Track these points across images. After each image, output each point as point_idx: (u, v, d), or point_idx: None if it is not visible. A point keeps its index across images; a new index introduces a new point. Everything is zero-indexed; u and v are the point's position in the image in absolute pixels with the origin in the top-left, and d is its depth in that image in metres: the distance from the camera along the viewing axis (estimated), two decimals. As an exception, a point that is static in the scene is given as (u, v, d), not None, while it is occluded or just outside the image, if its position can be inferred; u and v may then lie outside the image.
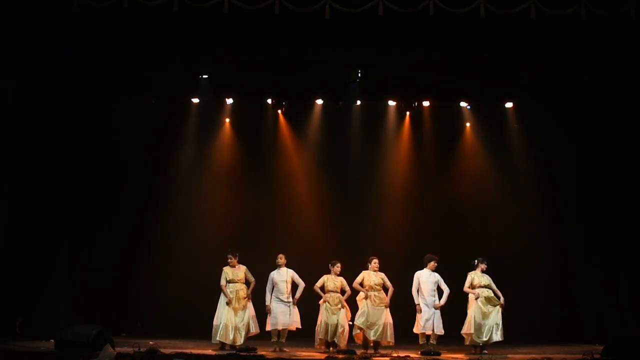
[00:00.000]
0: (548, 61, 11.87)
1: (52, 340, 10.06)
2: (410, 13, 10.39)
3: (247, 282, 10.83)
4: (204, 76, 12.83)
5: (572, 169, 13.25)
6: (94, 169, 12.71)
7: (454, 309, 10.89)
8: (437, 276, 10.68)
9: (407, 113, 13.86)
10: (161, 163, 13.53)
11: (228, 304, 10.59)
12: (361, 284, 10.51)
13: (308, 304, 10.82)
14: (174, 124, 13.61)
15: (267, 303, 10.64)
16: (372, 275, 10.54)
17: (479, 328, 10.41)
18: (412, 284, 10.67)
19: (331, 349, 10.28)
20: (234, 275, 10.74)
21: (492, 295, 10.56)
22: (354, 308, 10.52)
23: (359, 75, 12.57)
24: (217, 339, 10.51)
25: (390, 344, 10.38)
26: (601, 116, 12.63)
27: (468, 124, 13.98)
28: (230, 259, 10.82)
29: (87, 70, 11.82)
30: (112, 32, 11.07)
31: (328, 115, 13.80)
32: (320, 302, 10.49)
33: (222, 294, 10.75)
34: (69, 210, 12.35)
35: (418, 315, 10.55)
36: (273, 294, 10.66)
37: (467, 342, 10.57)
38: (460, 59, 11.85)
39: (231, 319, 10.54)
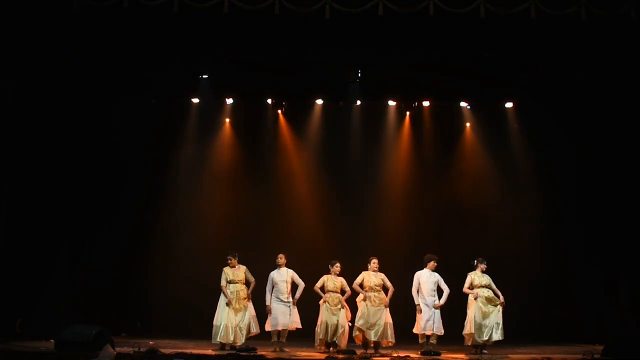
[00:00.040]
0: (548, 61, 11.87)
1: (52, 340, 10.06)
2: (410, 13, 10.39)
3: (247, 283, 10.83)
4: (204, 76, 12.83)
5: (572, 169, 13.25)
6: (94, 169, 12.72)
7: (453, 309, 10.89)
8: (437, 276, 10.68)
9: (407, 113, 13.87)
10: (161, 163, 13.53)
11: (228, 304, 10.58)
12: (361, 285, 10.52)
13: (308, 304, 10.83)
14: (174, 124, 13.61)
15: (268, 303, 10.64)
16: (372, 276, 10.54)
17: (479, 328, 10.40)
18: (412, 284, 10.68)
19: (331, 349, 10.28)
20: (234, 275, 10.75)
21: (493, 295, 10.56)
22: (353, 308, 10.52)
23: (359, 75, 12.57)
24: (218, 339, 10.51)
25: (391, 343, 10.39)
26: (601, 116, 12.63)
27: (468, 124, 13.98)
28: (230, 259, 10.82)
29: (87, 70, 11.83)
30: (112, 32, 11.07)
31: (328, 115, 13.80)
32: (320, 302, 10.49)
33: (222, 294, 10.75)
34: (69, 210, 12.35)
35: (418, 316, 10.55)
36: (273, 294, 10.66)
37: (468, 343, 10.56)
38: (460, 59, 11.85)
39: (231, 320, 10.54)
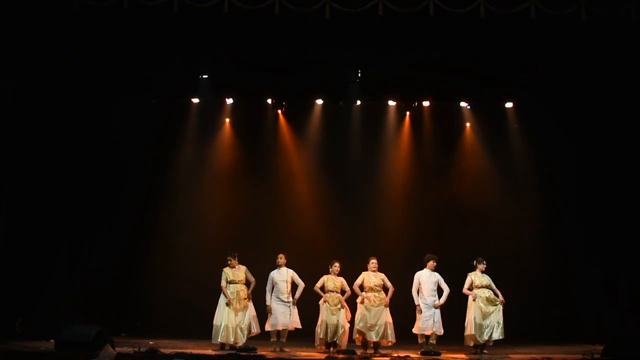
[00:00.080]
0: (548, 61, 11.87)
1: (52, 340, 10.06)
2: (410, 13, 10.39)
3: (247, 283, 10.83)
4: (204, 76, 12.83)
5: (572, 169, 13.25)
6: (94, 169, 12.71)
7: (453, 309, 10.89)
8: (437, 276, 10.68)
9: (407, 113, 13.86)
10: (161, 163, 13.53)
11: (228, 304, 10.58)
12: (361, 285, 10.52)
13: (308, 304, 10.84)
14: (174, 124, 13.61)
15: (268, 303, 10.64)
16: (372, 276, 10.54)
17: (479, 328, 10.41)
18: (412, 284, 10.68)
19: (331, 349, 10.28)
20: (234, 276, 10.75)
21: (493, 295, 10.56)
22: (353, 308, 10.53)
23: (359, 75, 12.57)
24: (219, 340, 10.50)
25: (391, 343, 10.39)
26: (601, 116, 12.63)
27: (468, 124, 13.98)
28: (230, 260, 10.82)
29: (87, 70, 11.83)
30: (112, 32, 11.07)
31: (328, 115, 13.80)
32: (320, 302, 10.50)
33: (222, 294, 10.75)
34: (69, 210, 12.35)
35: (418, 316, 10.54)
36: (273, 294, 10.66)
37: (469, 344, 10.54)
38: (460, 59, 11.85)
39: (232, 320, 10.53)
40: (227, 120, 13.91)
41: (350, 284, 10.57)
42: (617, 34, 10.85)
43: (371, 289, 10.44)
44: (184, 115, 13.61)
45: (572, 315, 12.76)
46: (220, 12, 10.31)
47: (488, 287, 10.62)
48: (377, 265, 10.59)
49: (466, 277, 10.73)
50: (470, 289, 10.65)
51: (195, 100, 13.47)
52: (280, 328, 10.57)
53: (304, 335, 10.82)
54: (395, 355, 9.93)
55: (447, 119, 13.88)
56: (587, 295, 12.74)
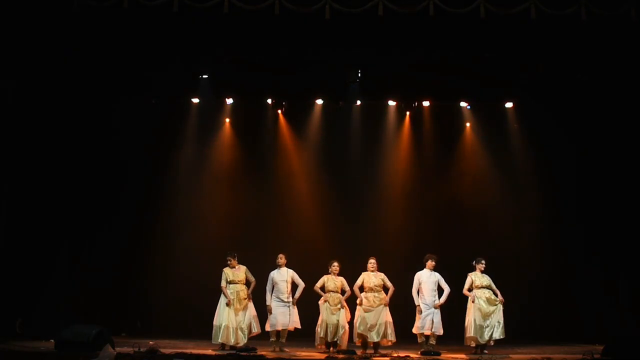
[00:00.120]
0: (548, 61, 11.87)
1: (52, 340, 10.06)
2: (410, 13, 10.39)
3: (247, 283, 10.82)
4: (204, 76, 12.83)
5: (572, 169, 13.25)
6: (94, 169, 12.71)
7: (453, 309, 10.89)
8: (437, 276, 10.67)
9: (407, 113, 13.86)
10: (161, 163, 13.53)
11: (228, 305, 10.58)
12: (362, 286, 10.52)
13: (308, 304, 10.83)
14: (174, 124, 13.61)
15: (268, 303, 10.64)
16: (371, 277, 10.54)
17: (480, 329, 10.40)
18: (411, 284, 10.68)
19: (331, 349, 10.28)
20: (234, 276, 10.74)
21: (492, 296, 10.57)
22: (353, 308, 10.52)
23: (359, 75, 12.57)
24: (219, 340, 10.50)
25: (391, 342, 10.39)
26: (601, 116, 12.63)
27: (468, 124, 13.98)
28: (230, 260, 10.82)
29: (87, 70, 11.82)
30: (112, 32, 11.07)
31: (328, 115, 13.80)
32: (321, 302, 10.50)
33: (222, 294, 10.74)
34: (69, 210, 12.35)
35: (418, 316, 10.54)
36: (273, 294, 10.67)
37: (469, 343, 10.53)
38: (460, 59, 11.85)
39: (232, 320, 10.53)
40: (227, 120, 13.91)
41: (350, 284, 10.57)
42: (617, 34, 10.85)
43: (371, 289, 10.44)
44: (184, 115, 13.61)
45: (572, 315, 12.76)
46: (220, 12, 10.31)
47: (488, 287, 10.62)
48: (375, 265, 10.58)
49: (466, 277, 10.73)
50: (470, 289, 10.65)
51: (195, 100, 13.46)
52: (279, 328, 10.57)
53: (304, 335, 10.82)
54: (395, 355, 9.93)
55: (447, 119, 13.88)
56: (587, 295, 12.74)
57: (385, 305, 10.40)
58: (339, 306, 10.39)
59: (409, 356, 9.89)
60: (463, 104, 13.67)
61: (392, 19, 10.46)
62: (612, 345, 9.59)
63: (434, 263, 10.69)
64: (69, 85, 11.92)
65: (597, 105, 12.56)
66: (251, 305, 10.72)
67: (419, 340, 10.54)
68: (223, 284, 10.70)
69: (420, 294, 10.60)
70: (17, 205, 11.48)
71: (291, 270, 10.79)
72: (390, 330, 10.35)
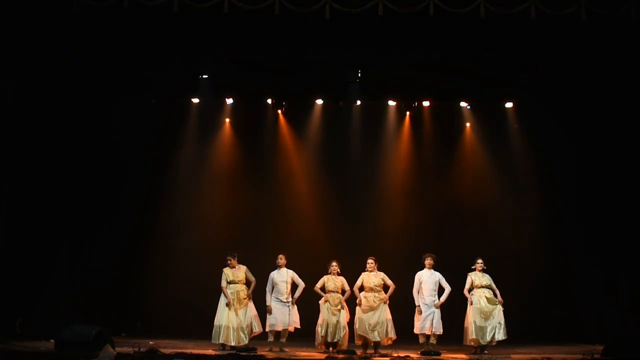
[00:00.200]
0: (548, 61, 11.87)
1: (52, 340, 10.06)
2: (410, 13, 10.39)
3: (247, 283, 10.82)
4: (204, 76, 12.83)
5: (572, 169, 13.25)
6: (94, 169, 12.71)
7: (454, 309, 10.89)
8: (438, 275, 10.67)
9: (407, 113, 13.87)
10: (161, 163, 13.53)
11: (228, 305, 10.57)
12: (361, 286, 10.52)
13: (308, 303, 10.83)
14: (174, 124, 13.61)
15: (268, 303, 10.64)
16: (371, 276, 10.53)
17: (481, 330, 10.40)
18: (411, 284, 10.68)
19: (331, 349, 10.28)
20: (234, 276, 10.74)
21: (492, 295, 10.57)
22: (353, 308, 10.52)
23: (359, 75, 12.57)
24: (219, 340, 10.49)
25: (391, 341, 10.39)
26: (601, 116, 12.63)
27: (468, 124, 13.98)
28: (230, 260, 10.81)
29: (87, 70, 11.82)
30: (112, 32, 11.07)
31: (328, 115, 13.80)
32: (321, 302, 10.50)
33: (222, 294, 10.74)
34: (69, 210, 12.35)
35: (418, 316, 10.54)
36: (273, 295, 10.67)
37: (470, 343, 10.53)
38: (460, 59, 11.85)
39: (232, 321, 10.52)
40: (227, 120, 13.91)
41: (350, 284, 10.57)
42: (617, 34, 10.85)
43: (371, 289, 10.44)
44: (184, 115, 13.61)
45: (572, 315, 12.76)
46: (220, 12, 10.31)
47: (488, 286, 10.62)
48: (374, 265, 10.56)
49: (466, 277, 10.73)
50: (471, 289, 10.65)
51: (195, 100, 13.47)
52: (279, 328, 10.57)
53: (304, 335, 10.81)
54: (395, 355, 9.93)
55: (447, 119, 13.88)
56: (587, 295, 12.74)
57: (385, 303, 10.40)
58: (339, 307, 10.39)
59: (409, 356, 9.89)
60: (463, 104, 13.68)
61: (392, 19, 10.46)
62: (612, 345, 9.59)
63: (432, 262, 10.68)
64: (69, 85, 11.91)
65: (597, 105, 12.56)
66: (251, 305, 10.71)
67: (420, 340, 10.54)
68: (223, 283, 10.69)
69: (420, 294, 10.60)
70: (17, 205, 11.48)
71: (291, 271, 10.79)
72: (391, 327, 10.34)
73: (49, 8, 10.63)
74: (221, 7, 10.27)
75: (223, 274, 10.74)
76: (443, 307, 10.56)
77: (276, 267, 10.80)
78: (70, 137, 12.29)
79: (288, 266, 10.82)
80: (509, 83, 12.56)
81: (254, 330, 10.66)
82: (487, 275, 10.73)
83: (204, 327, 11.02)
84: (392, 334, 10.37)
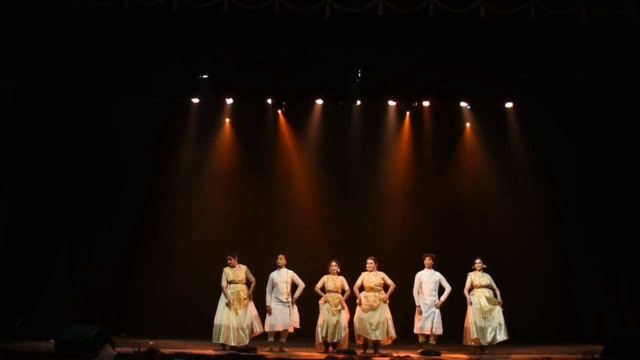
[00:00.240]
0: (548, 61, 11.87)
1: (52, 340, 10.06)
2: (410, 13, 10.39)
3: (247, 283, 10.81)
4: (204, 76, 12.83)
5: (572, 169, 13.25)
6: (94, 169, 12.71)
7: (454, 309, 10.89)
8: (438, 275, 10.67)
9: (407, 113, 13.87)
10: (161, 163, 13.53)
11: (228, 305, 10.57)
12: (361, 286, 10.52)
13: (308, 303, 10.83)
14: (174, 124, 13.61)
15: (268, 304, 10.64)
16: (371, 276, 10.54)
17: (481, 330, 10.40)
18: (411, 284, 10.68)
19: (331, 349, 10.28)
20: (235, 275, 10.73)
21: (492, 295, 10.57)
22: (353, 308, 10.52)
23: (359, 75, 12.57)
24: (219, 340, 10.48)
25: (394, 338, 10.39)
26: (601, 116, 12.63)
27: (468, 124, 13.98)
28: (230, 259, 10.80)
29: (87, 70, 11.82)
30: (112, 32, 11.08)
31: (328, 115, 13.80)
32: (321, 302, 10.49)
33: (222, 294, 10.74)
34: (69, 210, 12.35)
35: (418, 317, 10.54)
36: (273, 295, 10.66)
37: (471, 343, 10.53)
38: (460, 59, 11.85)
39: (232, 321, 10.51)
40: (227, 120, 13.91)
41: (350, 284, 10.57)
42: (617, 34, 10.85)
43: (371, 289, 10.44)
44: (184, 115, 13.61)
45: (572, 315, 12.75)
46: (220, 12, 10.31)
47: (488, 286, 10.62)
48: (373, 265, 10.56)
49: (466, 277, 10.73)
50: (471, 288, 10.65)
51: (195, 100, 13.47)
52: (279, 329, 10.57)
53: (304, 335, 10.81)
54: (395, 355, 9.93)
55: (447, 119, 13.88)
56: (587, 295, 12.74)
57: (385, 302, 10.41)
58: (339, 307, 10.38)
59: (409, 356, 9.89)
60: (463, 104, 13.68)
61: (392, 19, 10.46)
62: (612, 345, 9.59)
63: (431, 262, 10.69)
64: (69, 86, 11.92)
65: (597, 105, 12.56)
66: (252, 305, 10.70)
67: (420, 340, 10.54)
68: (224, 283, 10.68)
69: (420, 294, 10.60)
70: (17, 205, 11.48)
71: (291, 271, 10.79)
72: (390, 325, 10.35)
73: (49, 8, 10.63)
74: (221, 7, 10.27)
75: (223, 273, 10.74)
76: (443, 307, 10.57)
77: (276, 267, 10.79)
78: (70, 137, 12.29)
79: (288, 266, 10.82)
80: (509, 83, 12.56)
81: (255, 331, 10.65)
82: (487, 275, 10.73)
83: (204, 327, 11.01)
84: (393, 333, 10.38)
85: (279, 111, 13.84)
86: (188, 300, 12.78)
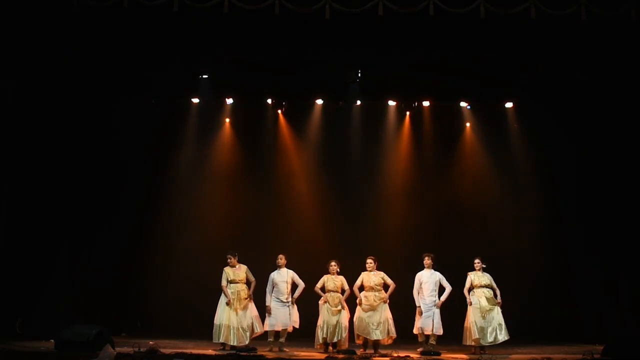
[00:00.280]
0: (548, 61, 11.87)
1: (52, 340, 10.06)
2: (410, 13, 10.40)
3: (247, 282, 10.81)
4: (204, 76, 12.83)
5: (572, 169, 13.25)
6: (94, 169, 12.71)
7: (454, 309, 10.89)
8: (438, 275, 10.68)
9: (407, 113, 13.87)
10: (161, 163, 13.53)
11: (228, 304, 10.57)
12: (361, 286, 10.52)
13: (308, 303, 10.83)
14: (174, 124, 13.61)
15: (268, 304, 10.64)
16: (371, 276, 10.54)
17: (482, 330, 10.40)
18: (411, 284, 10.69)
19: (331, 349, 10.28)
20: (235, 275, 10.73)
21: (492, 295, 10.57)
22: (353, 308, 10.52)
23: (359, 75, 12.57)
24: (219, 340, 10.48)
25: (391, 340, 10.40)
26: (601, 116, 12.63)
27: (468, 124, 13.98)
28: (230, 258, 10.80)
29: (87, 70, 11.83)
30: (112, 32, 11.08)
31: (328, 115, 13.80)
32: (321, 302, 10.50)
33: (222, 294, 10.73)
34: (69, 210, 12.35)
35: (418, 317, 10.54)
36: (273, 295, 10.66)
37: (472, 343, 10.52)
38: (460, 59, 11.85)
39: (232, 320, 10.51)
40: (227, 120, 13.91)
41: (350, 284, 10.57)
42: (617, 34, 10.85)
43: (371, 289, 10.45)
44: (184, 115, 13.61)
45: (572, 315, 12.75)
46: (220, 12, 10.31)
47: (488, 286, 10.62)
48: (372, 265, 10.57)
49: (466, 277, 10.74)
50: (471, 288, 10.65)
51: (195, 100, 13.46)
52: (279, 328, 10.57)
53: (304, 335, 10.81)
54: (395, 355, 9.93)
55: (447, 119, 13.88)
56: (587, 295, 12.74)
57: (385, 302, 10.41)
58: (339, 307, 10.39)
59: (409, 356, 9.89)
60: (463, 104, 13.67)
61: (392, 19, 10.47)
62: (612, 345, 9.60)
63: (430, 262, 10.69)
64: (69, 86, 11.92)
65: (597, 105, 12.56)
66: (252, 305, 10.69)
67: (420, 340, 10.54)
68: (224, 283, 10.68)
69: (420, 294, 10.60)
70: (17, 205, 11.48)
71: (291, 271, 10.79)
72: (391, 325, 10.36)
73: (49, 8, 10.63)
74: (221, 7, 10.28)
75: (224, 272, 10.73)
76: (443, 307, 10.57)
77: (276, 267, 10.79)
78: (71, 137, 12.29)
79: (288, 266, 10.82)
80: (509, 83, 12.56)
81: (256, 331, 10.65)
82: (488, 275, 10.73)
83: (204, 327, 11.01)
84: (393, 333, 10.39)
85: (279, 111, 13.84)
86: (188, 300, 12.77)
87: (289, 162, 13.94)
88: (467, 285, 10.67)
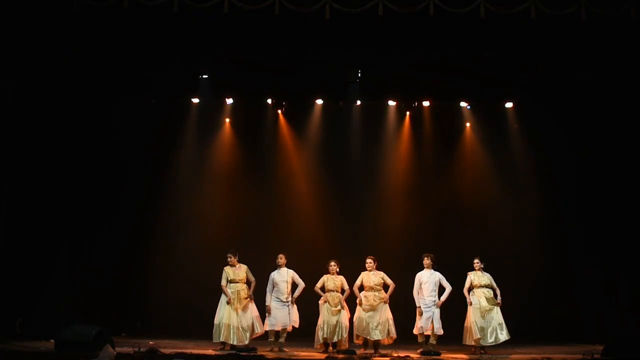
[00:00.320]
0: (548, 61, 11.87)
1: (52, 340, 10.06)
2: (410, 13, 10.40)
3: (248, 282, 10.81)
4: (204, 76, 12.83)
5: (572, 169, 13.25)
6: (94, 169, 12.71)
7: (454, 309, 10.89)
8: (438, 275, 10.67)
9: (407, 113, 13.87)
10: (161, 163, 13.53)
11: (228, 303, 10.57)
12: (361, 286, 10.52)
13: (308, 303, 10.83)
14: (174, 124, 13.61)
15: (267, 303, 10.64)
16: (371, 276, 10.54)
17: (482, 330, 10.40)
18: (411, 284, 10.69)
19: (331, 349, 10.28)
20: (235, 275, 10.73)
21: (492, 295, 10.57)
22: (353, 308, 10.52)
23: (359, 75, 12.57)
24: (219, 339, 10.48)
25: (392, 340, 10.40)
26: (601, 116, 12.63)
27: (468, 124, 13.98)
28: (230, 258, 10.80)
29: (87, 70, 11.83)
30: (112, 32, 11.08)
31: (328, 115, 13.80)
32: (321, 302, 10.50)
33: (222, 293, 10.73)
34: (69, 210, 12.35)
35: (418, 317, 10.54)
36: (273, 294, 10.66)
37: (472, 343, 10.52)
38: (460, 59, 11.85)
39: (233, 320, 10.51)
40: (227, 120, 13.91)
41: (350, 284, 10.57)
42: (617, 34, 10.85)
43: (371, 288, 10.45)
44: (184, 115, 13.61)
45: (572, 315, 12.75)
46: (220, 12, 10.31)
47: (488, 286, 10.62)
48: (372, 265, 10.58)
49: (466, 277, 10.74)
50: (471, 288, 10.65)
51: (195, 100, 13.46)
52: (279, 328, 10.57)
53: (304, 335, 10.81)
54: (395, 355, 9.93)
55: (447, 119, 13.88)
56: (587, 295, 12.74)
57: (385, 302, 10.41)
58: (339, 307, 10.39)
59: (409, 356, 9.89)
60: (463, 104, 13.67)
61: (392, 19, 10.47)
62: (612, 345, 9.60)
63: (430, 262, 10.69)
64: (68, 86, 11.92)
65: (597, 105, 12.56)
66: (253, 305, 10.69)
67: (420, 340, 10.54)
68: (224, 282, 10.68)
69: (420, 294, 10.60)
70: (17, 205, 11.48)
71: (291, 271, 10.79)
72: (391, 325, 10.36)
73: (49, 8, 10.63)
74: (221, 7, 10.28)
75: (224, 272, 10.73)
76: (443, 307, 10.57)
77: (276, 267, 10.79)
78: (70, 137, 12.29)
79: (288, 266, 10.82)
80: (509, 83, 12.56)
81: (256, 331, 10.65)
82: (488, 275, 10.73)
83: (204, 327, 11.01)
84: (393, 333, 10.40)
85: (279, 111, 13.84)
86: (188, 300, 12.77)
87: (289, 162, 13.94)
88: (467, 285, 10.68)
